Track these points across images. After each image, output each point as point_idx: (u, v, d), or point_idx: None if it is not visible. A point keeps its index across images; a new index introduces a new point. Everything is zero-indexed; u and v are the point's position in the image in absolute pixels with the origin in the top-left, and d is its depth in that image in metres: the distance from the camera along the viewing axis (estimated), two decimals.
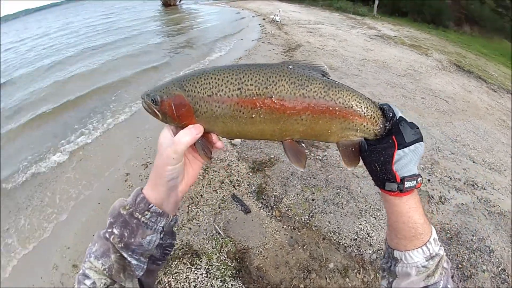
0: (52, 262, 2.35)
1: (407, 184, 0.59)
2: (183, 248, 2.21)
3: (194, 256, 2.14)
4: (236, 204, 2.56)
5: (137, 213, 0.57)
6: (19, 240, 2.68)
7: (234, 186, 2.78)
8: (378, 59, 7.41)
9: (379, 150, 0.61)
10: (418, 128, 0.61)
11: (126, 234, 0.56)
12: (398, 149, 0.59)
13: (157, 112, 0.61)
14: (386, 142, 0.61)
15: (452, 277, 0.66)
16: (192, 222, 2.40)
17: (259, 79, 0.57)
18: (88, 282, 0.54)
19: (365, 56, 7.59)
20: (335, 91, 0.60)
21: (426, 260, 0.61)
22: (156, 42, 10.49)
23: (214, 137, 0.63)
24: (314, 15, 15.26)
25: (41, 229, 2.74)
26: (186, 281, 1.99)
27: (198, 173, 0.67)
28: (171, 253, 1.03)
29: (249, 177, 2.89)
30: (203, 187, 2.77)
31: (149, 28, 13.92)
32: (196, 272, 2.04)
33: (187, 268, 2.07)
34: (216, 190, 2.74)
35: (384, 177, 0.61)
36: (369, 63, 7.01)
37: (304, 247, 2.20)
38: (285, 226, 2.35)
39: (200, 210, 2.51)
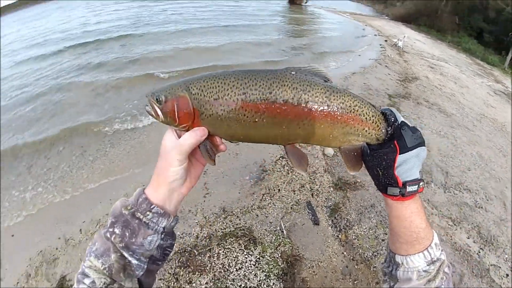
0: (125, 192, 2.76)
1: (409, 189, 0.59)
2: (244, 230, 2.33)
3: (251, 241, 2.24)
4: (308, 212, 2.58)
5: (138, 214, 0.58)
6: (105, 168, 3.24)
7: (312, 194, 2.80)
8: (498, 120, 6.36)
9: (381, 155, 0.62)
10: (420, 132, 0.61)
11: (127, 234, 0.57)
12: (400, 154, 0.59)
13: (159, 112, 0.61)
14: (388, 147, 0.61)
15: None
16: (261, 210, 2.53)
17: (263, 84, 0.59)
18: (87, 281, 0.54)
19: (484, 112, 6.60)
20: (337, 96, 0.61)
21: (427, 265, 0.60)
22: (278, 37, 10.55)
23: (217, 140, 0.64)
24: (439, 50, 13.82)
25: (124, 168, 3.22)
26: (234, 260, 2.10)
27: (200, 175, 0.68)
28: (171, 253, 1.10)
29: (329, 192, 2.87)
30: (283, 183, 2.86)
31: (273, 22, 14.12)
32: (246, 256, 2.13)
33: (240, 249, 2.18)
34: (294, 191, 2.79)
35: (386, 182, 0.61)
36: (486, 120, 6.08)
37: (355, 282, 2.11)
38: (345, 253, 2.29)
39: (273, 203, 2.61)
